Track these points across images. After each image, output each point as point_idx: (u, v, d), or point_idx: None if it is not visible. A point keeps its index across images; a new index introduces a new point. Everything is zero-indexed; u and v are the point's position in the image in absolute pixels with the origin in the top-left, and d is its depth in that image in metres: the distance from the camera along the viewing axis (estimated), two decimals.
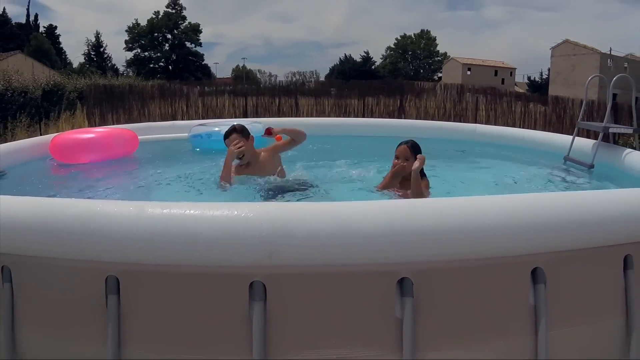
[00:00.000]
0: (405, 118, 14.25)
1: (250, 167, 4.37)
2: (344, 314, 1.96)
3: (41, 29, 66.02)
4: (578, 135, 6.03)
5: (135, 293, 1.98)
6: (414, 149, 3.90)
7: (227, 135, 4.34)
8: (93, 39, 70.69)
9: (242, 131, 4.37)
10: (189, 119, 13.67)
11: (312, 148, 6.42)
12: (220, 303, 1.96)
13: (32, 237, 2.04)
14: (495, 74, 69.84)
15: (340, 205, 2.16)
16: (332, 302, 1.96)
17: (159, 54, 73.57)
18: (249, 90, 16.76)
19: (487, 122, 13.87)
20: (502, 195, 2.61)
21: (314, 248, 1.92)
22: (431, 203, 2.36)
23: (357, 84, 18.08)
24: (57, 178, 5.55)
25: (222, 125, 7.32)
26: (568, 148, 5.87)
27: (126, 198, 3.49)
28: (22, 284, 2.08)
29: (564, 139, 6.55)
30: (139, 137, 6.44)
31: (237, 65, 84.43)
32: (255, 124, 7.21)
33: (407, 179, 3.79)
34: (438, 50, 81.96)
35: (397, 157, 3.90)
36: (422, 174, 3.81)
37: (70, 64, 63.46)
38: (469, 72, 67.49)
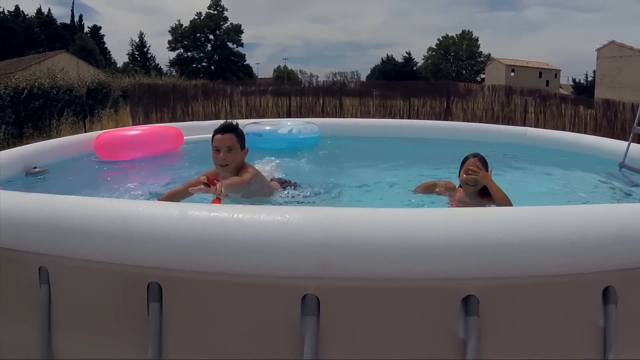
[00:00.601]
0: (451, 120, 13.94)
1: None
2: (400, 333, 1.80)
3: (85, 30, 67.50)
4: (634, 142, 5.68)
5: (178, 301, 1.86)
6: (484, 163, 3.55)
7: (221, 131, 3.36)
8: (137, 40, 72.15)
9: (241, 136, 3.44)
10: (232, 119, 13.59)
11: (348, 152, 6.32)
12: (268, 316, 1.82)
13: (70, 237, 1.96)
14: (540, 76, 68.04)
15: (403, 213, 1.98)
16: (388, 320, 1.80)
17: (201, 54, 74.35)
18: (291, 90, 16.69)
19: (537, 126, 13.44)
20: (575, 205, 2.40)
21: (374, 259, 1.76)
22: (501, 213, 2.16)
23: (402, 84, 17.82)
24: (100, 176, 5.49)
25: (274, 124, 7.26)
26: (623, 154, 5.53)
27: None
28: (59, 286, 1.99)
29: (618, 144, 6.18)
30: (184, 136, 6.40)
31: (279, 66, 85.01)
32: (309, 125, 7.11)
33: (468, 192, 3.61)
34: (481, 52, 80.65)
35: (467, 173, 3.50)
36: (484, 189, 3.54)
37: (114, 63, 64.59)
38: (512, 74, 66.03)
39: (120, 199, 2.27)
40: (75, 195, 2.33)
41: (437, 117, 14.66)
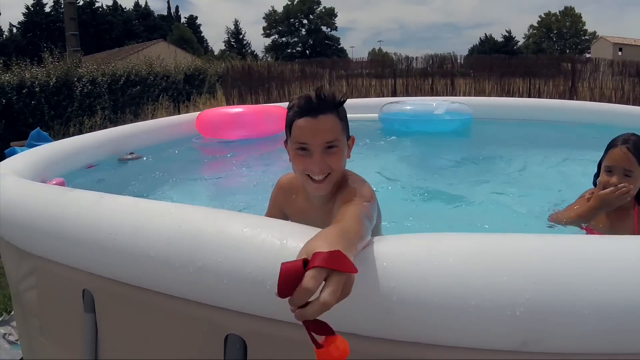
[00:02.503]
0: (577, 100, 12.24)
1: (311, 208, 1.84)
2: None
3: (182, 20, 69.81)
4: None
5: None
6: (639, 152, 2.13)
7: (311, 111, 1.61)
8: (232, 27, 73.43)
9: (345, 117, 1.72)
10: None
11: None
12: None
13: None
14: None
15: None
16: None
17: (295, 39, 74.56)
18: (388, 74, 15.66)
19: None
20: None
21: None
22: None
23: (522, 60, 16.06)
24: (202, 157, 5.27)
25: (415, 103, 6.42)
26: None
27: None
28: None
29: None
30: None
31: (373, 49, 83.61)
32: (459, 105, 6.07)
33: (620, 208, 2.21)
34: (585, 29, 75.48)
35: (609, 170, 2.15)
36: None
37: (211, 51, 66.18)
38: (620, 53, 61.11)
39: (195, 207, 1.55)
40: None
41: (561, 97, 13.04)
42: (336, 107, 1.65)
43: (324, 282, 0.90)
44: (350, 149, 1.76)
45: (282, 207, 1.98)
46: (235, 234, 1.35)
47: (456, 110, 5.90)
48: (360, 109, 6.23)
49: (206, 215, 1.47)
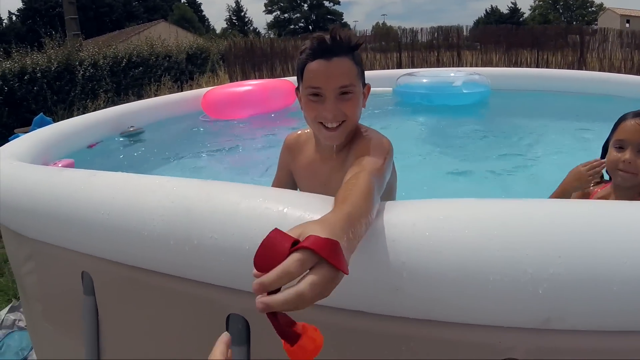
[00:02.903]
0: (586, 70, 12.09)
1: (318, 159, 1.74)
2: None
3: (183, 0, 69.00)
4: None
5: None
6: None
7: (325, 53, 1.48)
8: (233, 5, 72.84)
9: (360, 62, 1.59)
10: None
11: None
12: None
13: None
14: None
15: None
16: None
17: (298, 15, 73.87)
18: (393, 47, 15.50)
19: None
20: None
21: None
22: None
23: (530, 30, 15.81)
24: (207, 135, 5.17)
25: (431, 75, 6.26)
26: None
27: None
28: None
29: None
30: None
31: (377, 23, 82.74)
32: (478, 76, 5.90)
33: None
34: (593, 1, 74.44)
35: (620, 146, 1.87)
36: None
37: (213, 29, 65.88)
38: (627, 25, 60.26)
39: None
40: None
41: (569, 67, 12.92)
42: (352, 50, 1.52)
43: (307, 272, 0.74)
44: (366, 98, 1.62)
45: (288, 165, 1.86)
46: (231, 208, 1.27)
47: (474, 81, 5.74)
48: (372, 82, 6.06)
49: (200, 189, 1.39)
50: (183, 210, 1.33)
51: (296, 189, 1.81)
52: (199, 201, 1.33)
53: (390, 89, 5.97)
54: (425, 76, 6.07)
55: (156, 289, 1.47)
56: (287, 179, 1.86)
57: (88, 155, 3.83)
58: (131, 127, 4.59)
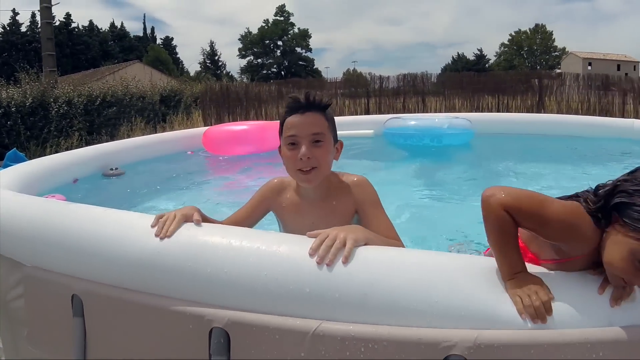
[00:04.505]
0: (545, 113, 12.72)
1: (305, 203, 1.94)
2: None
3: (158, 41, 69.59)
4: None
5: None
6: None
7: (300, 109, 1.80)
8: (208, 49, 73.57)
9: (332, 120, 1.89)
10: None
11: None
12: None
13: None
14: (618, 69, 64.31)
15: None
16: None
17: (270, 60, 74.96)
18: (361, 93, 16.01)
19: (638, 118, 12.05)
20: None
21: None
22: None
23: (491, 75, 16.46)
24: (206, 172, 5.53)
25: (418, 118, 6.63)
26: None
27: None
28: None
29: None
30: None
31: (348, 69, 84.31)
32: (460, 120, 6.31)
33: None
34: (556, 45, 77.36)
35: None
36: None
37: (187, 72, 66.15)
38: (589, 67, 62.73)
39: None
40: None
41: (529, 111, 13.56)
42: (322, 109, 1.83)
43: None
44: (339, 153, 1.91)
45: (269, 205, 2.01)
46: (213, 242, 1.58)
47: (458, 125, 6.13)
48: (363, 125, 6.51)
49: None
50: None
51: (253, 226, 1.99)
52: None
53: (372, 131, 6.29)
54: (412, 119, 6.49)
55: (143, 308, 1.60)
56: (257, 214, 2.02)
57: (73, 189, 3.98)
58: (114, 168, 4.78)
